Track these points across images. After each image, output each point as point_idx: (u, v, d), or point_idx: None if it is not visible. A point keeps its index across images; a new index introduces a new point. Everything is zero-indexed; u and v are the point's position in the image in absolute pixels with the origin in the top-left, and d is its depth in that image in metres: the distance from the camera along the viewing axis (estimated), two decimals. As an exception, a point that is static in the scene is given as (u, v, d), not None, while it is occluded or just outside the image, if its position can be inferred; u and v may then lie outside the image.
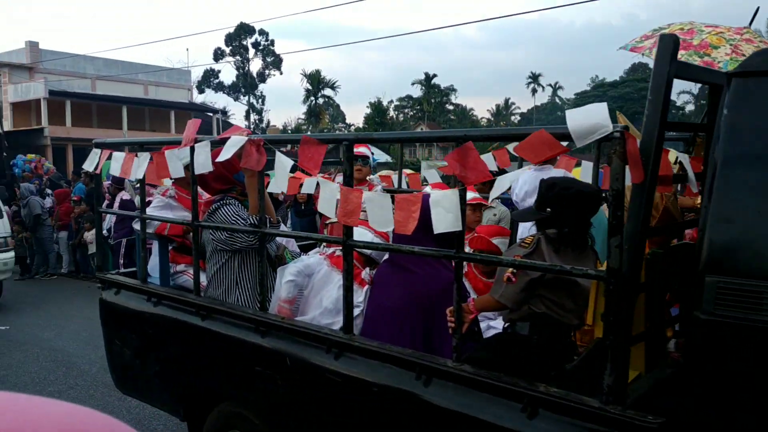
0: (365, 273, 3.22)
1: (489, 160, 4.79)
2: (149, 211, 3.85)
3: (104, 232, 11.25)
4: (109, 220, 10.84)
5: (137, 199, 3.88)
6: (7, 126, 30.33)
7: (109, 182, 11.10)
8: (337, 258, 3.31)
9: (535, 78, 76.25)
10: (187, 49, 56.42)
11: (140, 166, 3.55)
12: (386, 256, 3.22)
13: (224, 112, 50.47)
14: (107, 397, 5.87)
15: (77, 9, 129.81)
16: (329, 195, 2.69)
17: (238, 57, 56.87)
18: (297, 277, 3.18)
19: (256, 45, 57.40)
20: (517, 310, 2.50)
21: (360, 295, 3.11)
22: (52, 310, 9.54)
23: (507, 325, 2.62)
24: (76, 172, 15.15)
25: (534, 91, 76.82)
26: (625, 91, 70.48)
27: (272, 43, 57.95)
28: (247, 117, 57.35)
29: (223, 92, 57.73)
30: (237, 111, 64.23)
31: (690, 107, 71.96)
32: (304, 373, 2.91)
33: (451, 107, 73.39)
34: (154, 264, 4.23)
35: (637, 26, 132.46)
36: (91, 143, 3.99)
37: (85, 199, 12.23)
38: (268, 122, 59.77)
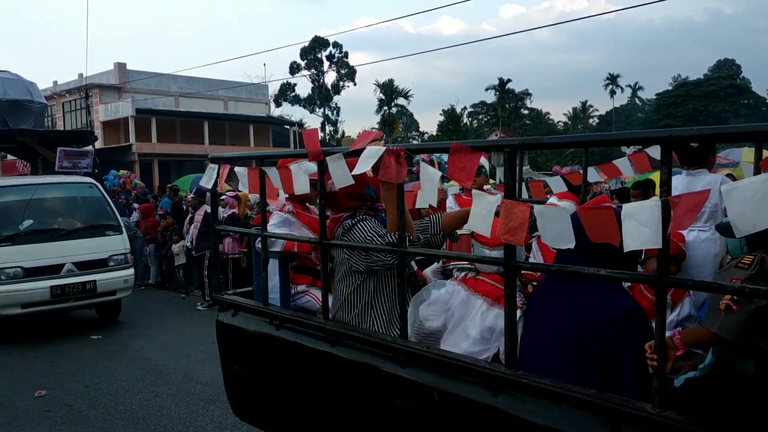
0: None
1: (625, 165, 4.38)
2: (271, 228, 3.64)
3: (187, 244, 11.60)
4: (191, 233, 11.11)
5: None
6: (99, 144, 31.67)
7: (192, 195, 11.36)
8: (475, 282, 3.00)
9: (613, 79, 73.91)
10: (264, 64, 58.62)
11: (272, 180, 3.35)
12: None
13: (300, 125, 51.20)
14: (192, 405, 5.95)
15: (160, 30, 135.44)
16: (484, 209, 2.38)
17: (313, 70, 57.81)
18: (440, 312, 2.96)
19: (330, 57, 58.25)
20: (738, 345, 2.10)
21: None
22: (140, 321, 9.91)
23: (712, 360, 2.23)
24: (162, 187, 15.61)
25: (612, 92, 74.50)
26: (710, 89, 67.34)
27: (346, 55, 58.71)
28: (323, 128, 58.12)
29: (299, 105, 58.82)
30: (313, 123, 65.09)
31: (783, 104, 68.07)
32: (454, 409, 2.59)
33: (525, 112, 72.05)
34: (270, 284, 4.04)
35: (722, 21, 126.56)
36: (206, 159, 3.83)
37: (170, 212, 12.46)
38: (343, 133, 60.36)
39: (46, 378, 6.92)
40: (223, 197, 11.83)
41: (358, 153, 2.89)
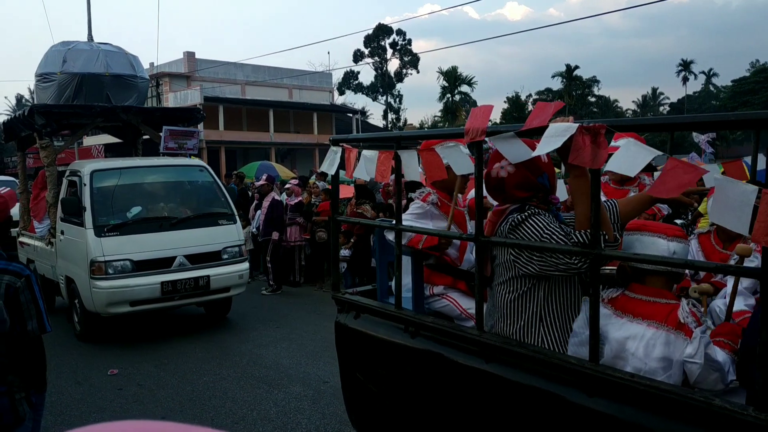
0: (685, 312, 2.29)
1: None
2: (406, 218, 3.17)
3: (253, 230, 11.37)
4: (257, 219, 11.03)
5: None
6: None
7: (263, 181, 11.14)
8: (626, 301, 2.47)
9: (686, 65, 70.76)
10: (328, 53, 58.65)
11: (409, 165, 2.88)
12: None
13: (363, 113, 50.96)
14: (256, 389, 5.77)
15: (228, 19, 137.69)
16: (738, 199, 1.83)
17: (376, 58, 57.41)
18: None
19: (393, 45, 57.72)
20: None
21: (685, 345, 2.24)
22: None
23: None
24: (228, 174, 15.61)
25: (685, 79, 71.37)
26: (792, 76, 63.64)
27: (409, 42, 58.06)
28: (385, 116, 57.73)
29: (362, 93, 58.53)
30: (375, 111, 65.04)
31: None
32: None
33: (593, 99, 69.76)
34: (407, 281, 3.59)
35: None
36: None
37: (237, 199, 12.30)
38: (405, 120, 59.77)
39: (120, 357, 7.09)
40: (288, 185, 11.61)
41: (535, 132, 2.38)
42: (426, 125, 61.61)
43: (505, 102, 62.78)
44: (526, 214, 2.57)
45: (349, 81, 57.89)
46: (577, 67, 64.72)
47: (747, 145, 58.93)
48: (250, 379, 6.22)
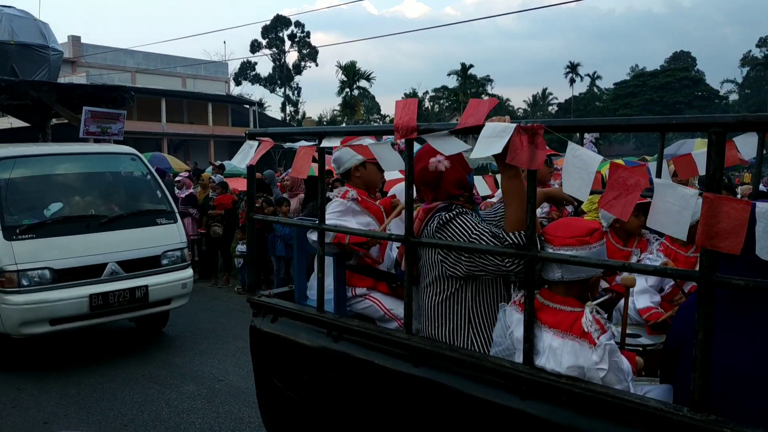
0: (589, 321, 2.22)
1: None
2: (328, 217, 3.03)
3: None
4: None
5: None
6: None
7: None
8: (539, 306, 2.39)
9: (573, 68, 74.49)
10: (225, 42, 57.23)
11: (348, 160, 2.75)
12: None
13: (261, 104, 49.93)
14: (147, 390, 5.22)
15: (117, 3, 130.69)
16: (678, 204, 1.84)
17: (274, 49, 56.61)
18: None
19: (292, 37, 57.09)
20: None
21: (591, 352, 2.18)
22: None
23: None
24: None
25: (572, 81, 75.13)
26: (666, 80, 68.56)
27: (308, 35, 57.64)
28: (283, 109, 56.94)
29: (260, 84, 57.58)
30: (273, 103, 63.80)
31: (734, 96, 69.90)
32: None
33: (486, 98, 71.99)
34: (312, 284, 3.46)
35: (681, 14, 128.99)
36: (245, 133, 3.19)
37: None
38: (304, 114, 59.29)
39: None
40: (179, 178, 11.15)
41: (470, 131, 2.32)
42: (325, 119, 61.36)
43: (402, 98, 63.49)
44: (453, 213, 2.51)
45: (246, 72, 56.65)
46: (471, 66, 66.69)
47: (627, 144, 63.08)
48: (140, 379, 6.00)
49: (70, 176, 7.02)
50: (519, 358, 2.33)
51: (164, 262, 6.72)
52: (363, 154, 2.96)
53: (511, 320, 2.36)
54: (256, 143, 3.19)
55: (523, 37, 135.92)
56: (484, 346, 2.53)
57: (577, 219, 2.70)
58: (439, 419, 2.50)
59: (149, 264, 6.60)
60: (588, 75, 75.79)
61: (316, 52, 57.28)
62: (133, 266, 6.45)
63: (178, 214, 7.15)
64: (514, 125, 2.15)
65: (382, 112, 68.74)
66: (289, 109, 57.44)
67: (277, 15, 55.04)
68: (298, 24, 56.43)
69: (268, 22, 55.04)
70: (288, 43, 57.21)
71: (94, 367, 6.30)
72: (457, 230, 2.46)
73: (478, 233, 2.40)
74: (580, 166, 2.04)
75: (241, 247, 9.66)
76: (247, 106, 44.24)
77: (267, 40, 56.09)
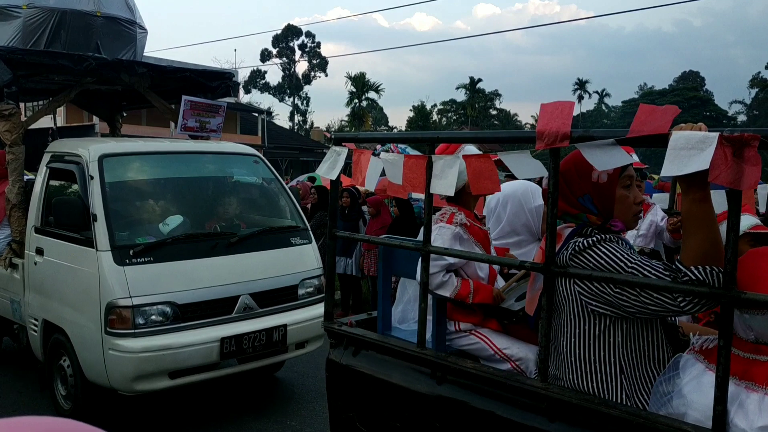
0: None
1: None
2: (436, 245, 2.59)
3: None
4: None
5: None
6: (61, 122, 29.69)
7: None
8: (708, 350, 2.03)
9: (581, 84, 74.37)
10: (235, 50, 57.15)
11: (447, 173, 2.31)
12: None
13: (269, 113, 49.65)
14: None
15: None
16: None
17: (284, 58, 56.47)
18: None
19: (302, 47, 57.04)
20: None
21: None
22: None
23: None
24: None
25: (580, 98, 74.98)
26: (675, 100, 68.40)
27: (318, 45, 57.60)
28: (292, 118, 56.74)
29: (269, 93, 57.42)
30: (282, 112, 63.58)
31: (742, 117, 69.68)
32: None
33: (494, 112, 71.91)
34: (398, 311, 3.05)
35: (690, 33, 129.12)
36: (330, 138, 2.78)
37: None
38: (312, 123, 59.09)
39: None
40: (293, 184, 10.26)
41: (640, 141, 1.91)
42: (333, 129, 61.15)
43: (410, 110, 63.39)
44: (593, 239, 2.12)
45: (256, 80, 56.55)
46: (480, 80, 66.66)
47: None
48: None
49: (187, 181, 5.56)
50: (692, 417, 1.90)
51: (301, 293, 5.25)
52: (477, 166, 2.49)
53: (692, 372, 1.93)
54: (344, 150, 2.78)
55: (533, 52, 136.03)
56: (640, 400, 2.10)
57: None
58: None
59: (286, 296, 5.14)
60: (596, 92, 75.70)
61: (326, 63, 57.31)
62: (267, 299, 5.00)
63: (311, 232, 5.69)
64: (716, 134, 1.73)
65: (390, 124, 68.61)
66: (297, 118, 57.36)
67: (288, 25, 55.23)
68: (308, 34, 56.52)
69: (278, 32, 55.08)
70: (298, 52, 57.20)
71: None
72: (601, 259, 2.06)
73: (637, 265, 1.98)
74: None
75: None
76: (256, 115, 43.87)
77: (277, 49, 56.15)
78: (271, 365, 5.44)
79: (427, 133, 2.71)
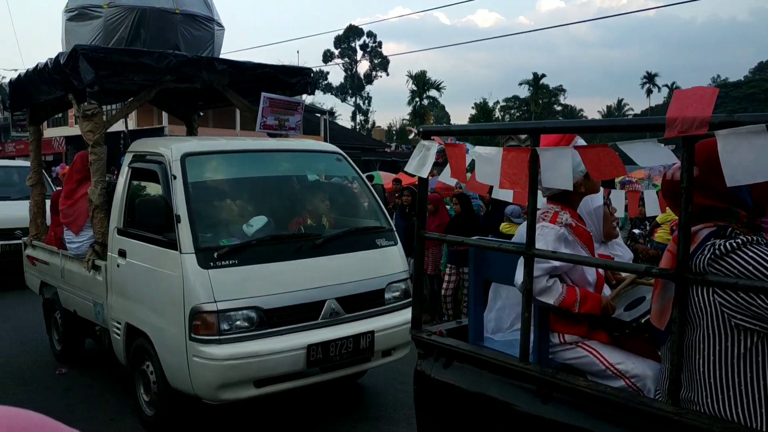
0: None
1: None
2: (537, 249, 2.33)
3: None
4: None
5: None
6: (132, 125, 30.59)
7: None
8: None
9: (650, 78, 72.05)
10: (298, 52, 57.58)
11: (561, 165, 2.07)
12: None
13: (332, 113, 50.05)
14: None
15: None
16: None
17: (346, 59, 56.81)
18: None
19: (364, 47, 57.25)
20: None
21: None
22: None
23: None
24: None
25: (649, 91, 72.68)
26: (750, 91, 65.38)
27: (380, 44, 57.75)
28: (353, 118, 57.08)
29: (331, 93, 57.88)
30: (344, 112, 64.06)
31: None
32: None
33: (559, 108, 70.41)
34: (490, 320, 2.81)
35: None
36: (417, 133, 2.57)
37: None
38: (374, 123, 59.27)
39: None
40: None
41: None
42: (394, 128, 61.14)
43: (472, 108, 62.75)
44: (738, 240, 1.83)
45: (318, 81, 57.08)
46: (543, 75, 65.40)
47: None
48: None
49: (270, 180, 5.47)
50: None
51: (388, 297, 4.99)
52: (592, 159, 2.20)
53: None
54: (434, 145, 2.56)
55: (599, 46, 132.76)
56: None
57: None
58: None
59: (372, 301, 4.88)
60: (666, 85, 73.11)
61: (387, 62, 57.38)
62: (353, 304, 4.75)
63: (396, 233, 5.37)
64: None
65: (452, 122, 68.08)
66: (359, 118, 57.66)
67: (350, 25, 55.53)
68: (370, 34, 56.71)
69: (340, 32, 55.45)
70: (360, 52, 57.49)
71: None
72: (749, 265, 1.79)
73: None
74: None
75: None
76: (319, 115, 44.27)
77: (339, 49, 56.59)
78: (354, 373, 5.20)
79: (531, 123, 2.46)
